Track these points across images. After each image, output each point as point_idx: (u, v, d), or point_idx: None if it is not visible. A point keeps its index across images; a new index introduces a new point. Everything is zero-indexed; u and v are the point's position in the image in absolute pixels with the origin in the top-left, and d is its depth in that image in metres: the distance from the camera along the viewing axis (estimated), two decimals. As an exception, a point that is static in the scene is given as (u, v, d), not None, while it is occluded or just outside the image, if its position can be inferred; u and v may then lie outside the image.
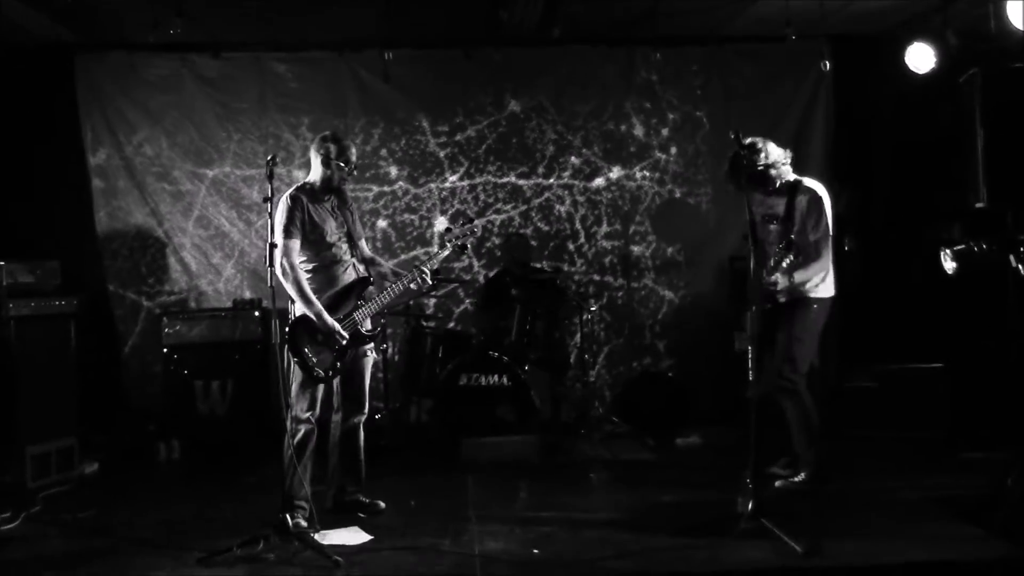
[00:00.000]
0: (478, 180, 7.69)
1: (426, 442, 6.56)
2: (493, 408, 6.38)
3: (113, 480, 6.17)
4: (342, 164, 4.87)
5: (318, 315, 4.70)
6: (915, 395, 6.49)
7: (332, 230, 4.88)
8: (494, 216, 7.70)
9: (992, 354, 6.24)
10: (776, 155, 5.10)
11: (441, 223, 7.53)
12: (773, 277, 4.79)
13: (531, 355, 6.68)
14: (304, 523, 4.63)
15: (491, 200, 7.70)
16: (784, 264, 4.69)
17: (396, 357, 7.39)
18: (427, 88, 7.61)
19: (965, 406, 6.30)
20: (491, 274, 7.55)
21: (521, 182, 7.72)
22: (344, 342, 4.77)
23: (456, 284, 7.46)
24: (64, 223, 7.22)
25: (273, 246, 4.49)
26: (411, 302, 7.02)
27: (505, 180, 7.71)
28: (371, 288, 4.97)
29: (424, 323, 7.02)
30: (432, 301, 7.53)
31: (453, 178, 7.67)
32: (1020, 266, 5.18)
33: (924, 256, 6.30)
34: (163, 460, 6.65)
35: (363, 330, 4.91)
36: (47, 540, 4.78)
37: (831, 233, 5.06)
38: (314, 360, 4.72)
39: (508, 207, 7.71)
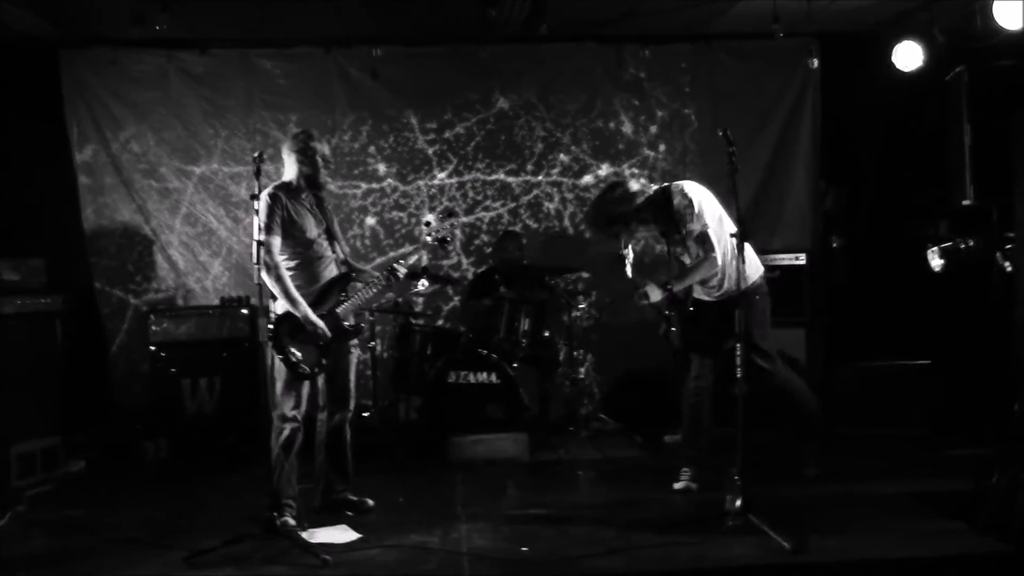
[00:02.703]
0: (467, 177, 7.67)
1: (415, 440, 6.55)
2: (482, 406, 6.38)
3: (99, 479, 6.15)
4: (317, 157, 4.85)
5: (302, 312, 4.69)
6: (902, 392, 6.51)
7: (311, 227, 4.87)
8: (483, 213, 7.68)
9: (978, 351, 6.26)
10: (637, 186, 5.17)
11: (427, 218, 7.49)
12: (680, 285, 5.16)
13: (520, 353, 6.66)
14: (292, 521, 4.62)
15: (480, 197, 7.68)
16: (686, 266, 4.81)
17: (385, 355, 7.36)
18: (415, 85, 7.58)
19: (951, 403, 6.33)
20: (480, 271, 7.54)
21: (510, 179, 7.70)
22: (327, 338, 4.76)
23: (445, 281, 7.45)
24: (50, 221, 7.16)
25: (260, 244, 4.50)
26: (399, 300, 7.01)
27: (494, 177, 7.70)
28: (355, 284, 4.97)
29: (413, 321, 7.00)
30: (421, 299, 7.51)
31: (442, 175, 7.65)
32: (1006, 263, 5.20)
33: (911, 253, 6.32)
34: (150, 459, 6.60)
35: (346, 325, 4.91)
36: (32, 539, 4.77)
37: (708, 222, 5.12)
38: (298, 357, 4.70)
39: (497, 204, 7.69)
